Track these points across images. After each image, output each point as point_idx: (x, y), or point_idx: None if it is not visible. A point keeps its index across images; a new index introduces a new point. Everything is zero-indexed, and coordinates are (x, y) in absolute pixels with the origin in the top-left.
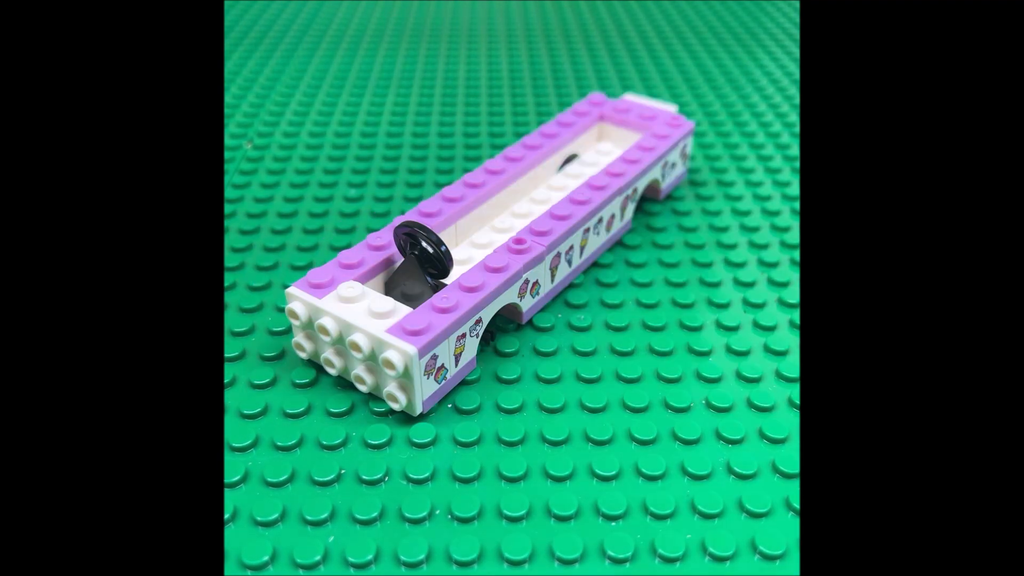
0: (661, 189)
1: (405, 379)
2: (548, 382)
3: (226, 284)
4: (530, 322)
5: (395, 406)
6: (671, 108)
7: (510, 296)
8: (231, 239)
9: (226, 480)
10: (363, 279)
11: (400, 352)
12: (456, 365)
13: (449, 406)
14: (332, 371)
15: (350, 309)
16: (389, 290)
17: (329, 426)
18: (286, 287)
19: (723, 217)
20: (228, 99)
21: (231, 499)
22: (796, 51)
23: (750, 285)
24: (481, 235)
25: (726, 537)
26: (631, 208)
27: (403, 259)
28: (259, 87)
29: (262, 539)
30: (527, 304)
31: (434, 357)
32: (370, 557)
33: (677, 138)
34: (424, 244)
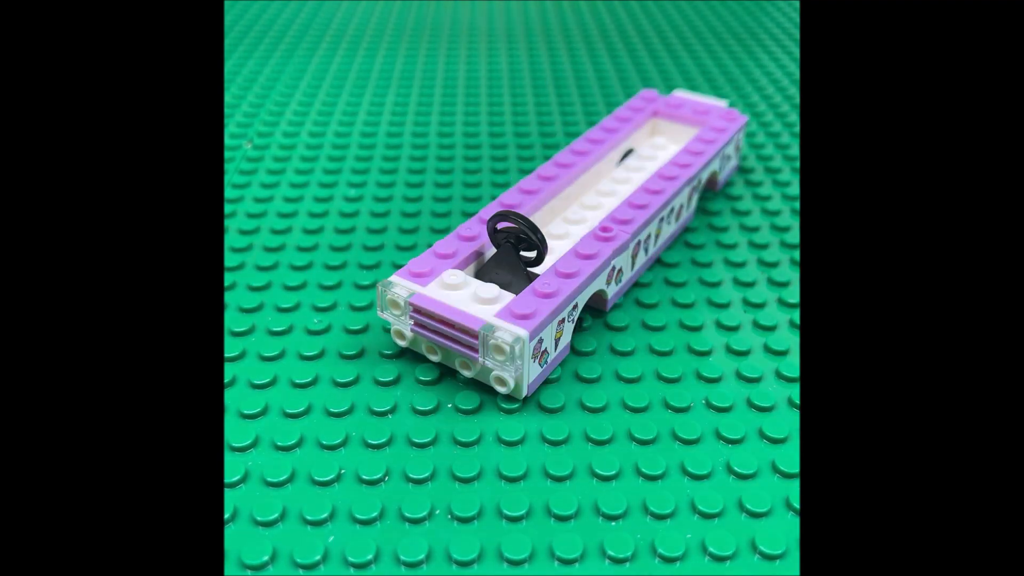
0: (719, 180)
1: (513, 362)
2: (548, 382)
3: (226, 284)
4: None
5: (502, 389)
6: (722, 103)
7: (600, 283)
8: (231, 239)
9: (226, 480)
10: (459, 268)
11: (512, 335)
12: (555, 349)
13: (449, 406)
14: (433, 358)
15: (455, 296)
16: (481, 279)
17: (329, 426)
18: (287, 286)
19: (723, 217)
20: (228, 99)
21: (231, 499)
22: (796, 51)
23: (750, 285)
24: (556, 226)
25: (726, 537)
26: (695, 199)
27: (495, 249)
28: (259, 87)
29: (262, 539)
30: (611, 291)
31: (540, 340)
32: (370, 557)
33: (734, 131)
34: (522, 233)
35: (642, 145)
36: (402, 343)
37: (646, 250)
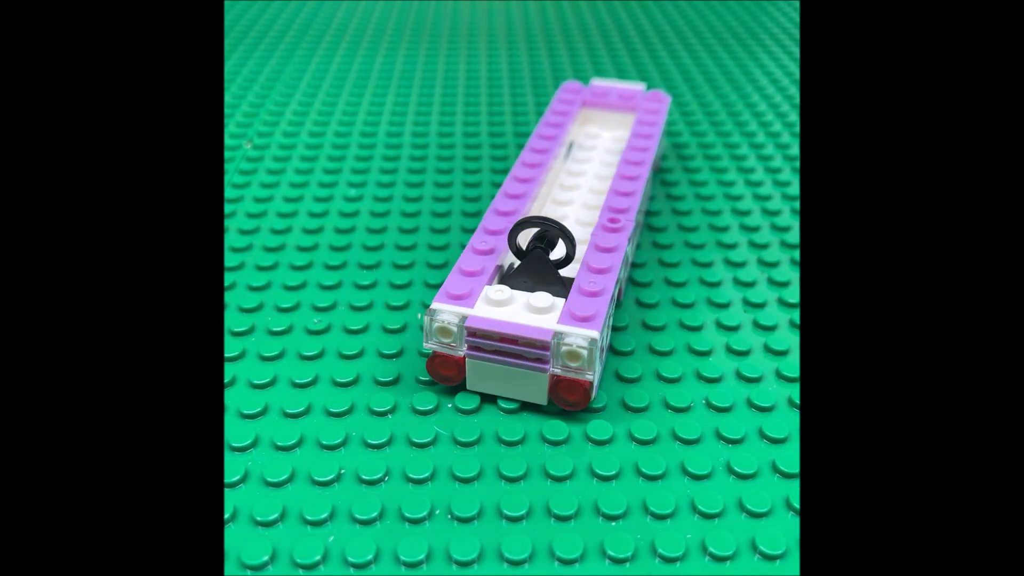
0: (658, 161)
1: (591, 366)
2: None
3: (226, 284)
4: None
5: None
6: (640, 87)
7: (622, 273)
8: (231, 239)
9: (226, 480)
10: (488, 283)
11: (585, 338)
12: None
13: (449, 406)
14: (482, 389)
15: (508, 311)
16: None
17: (329, 426)
18: (287, 286)
19: (723, 217)
20: (228, 99)
21: (231, 499)
22: (796, 51)
23: (750, 285)
24: None
25: (726, 537)
26: (653, 181)
27: (519, 259)
28: (259, 87)
29: (262, 539)
30: (624, 281)
31: (601, 348)
32: (370, 557)
33: (665, 111)
34: (550, 234)
35: (579, 136)
36: (449, 375)
37: (634, 244)
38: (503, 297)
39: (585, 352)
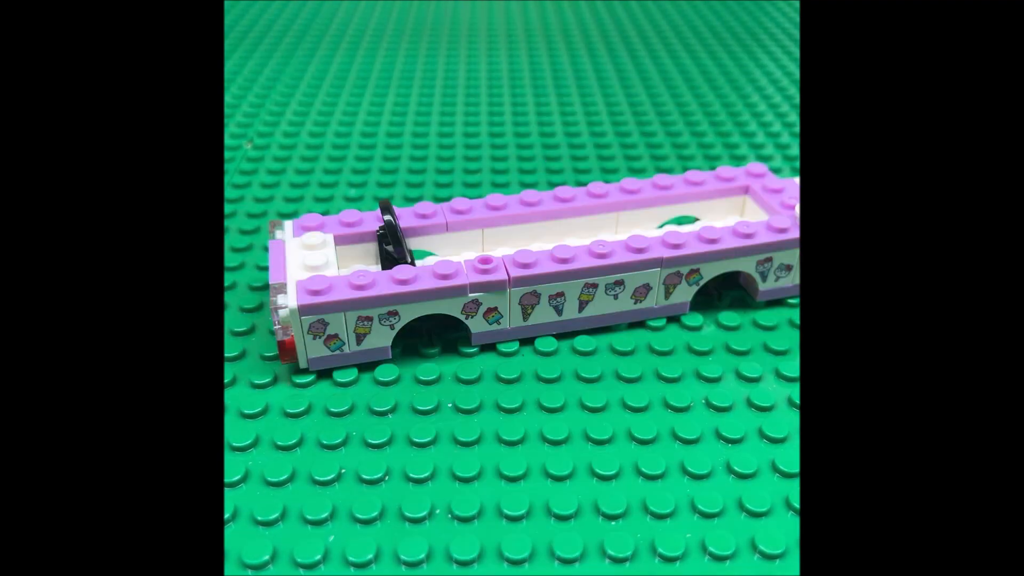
0: (760, 290)
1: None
2: (548, 381)
3: (226, 284)
4: None
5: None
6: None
7: (449, 307)
8: (231, 239)
9: (226, 480)
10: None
11: (288, 305)
12: (358, 344)
13: (450, 405)
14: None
15: (305, 255)
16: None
17: (329, 425)
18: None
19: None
20: (228, 99)
21: (231, 499)
22: (796, 51)
23: None
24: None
25: (726, 537)
26: (688, 291)
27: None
28: (259, 87)
29: (262, 539)
30: (478, 326)
31: (323, 323)
32: (370, 556)
33: (795, 236)
34: (389, 232)
35: (719, 219)
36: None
37: (557, 309)
38: (315, 242)
39: (283, 313)
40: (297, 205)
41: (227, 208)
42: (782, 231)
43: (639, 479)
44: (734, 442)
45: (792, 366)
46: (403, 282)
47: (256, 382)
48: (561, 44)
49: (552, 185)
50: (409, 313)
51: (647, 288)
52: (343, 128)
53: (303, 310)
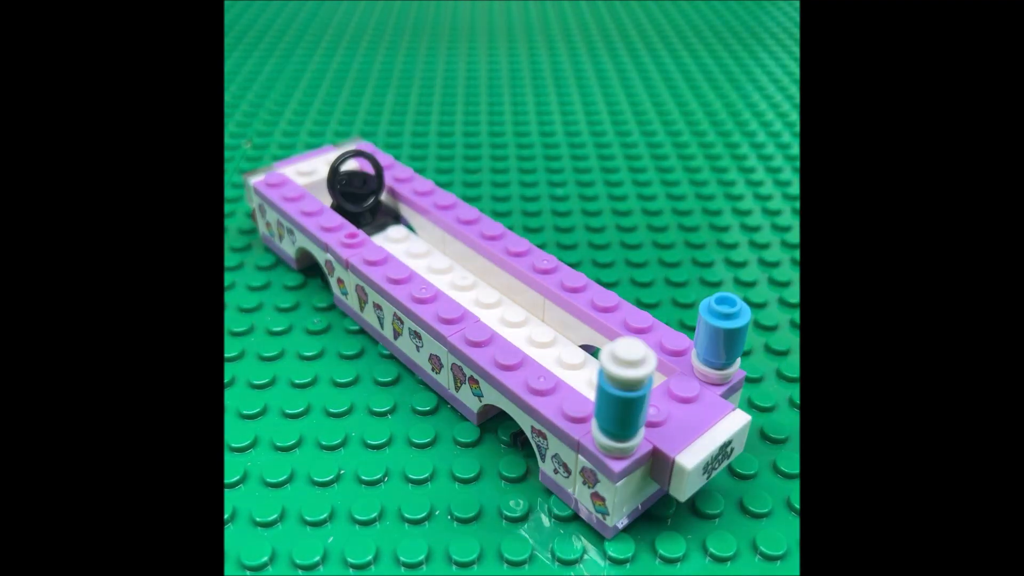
0: (541, 469)
1: None
2: None
3: (226, 284)
4: None
5: None
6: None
7: (315, 250)
8: (231, 239)
9: (225, 480)
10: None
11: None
12: (277, 241)
13: (449, 406)
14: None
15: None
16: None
17: (329, 426)
18: (287, 286)
19: (723, 217)
20: (227, 98)
21: (230, 499)
22: (796, 50)
23: (750, 285)
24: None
25: (726, 537)
26: (473, 400)
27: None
28: (259, 86)
29: (261, 539)
30: (333, 288)
31: (263, 208)
32: (370, 558)
33: (575, 436)
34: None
35: None
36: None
37: (379, 319)
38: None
39: None
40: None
41: (227, 208)
42: (571, 419)
43: None
44: None
45: (792, 366)
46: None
47: (256, 382)
48: (562, 44)
49: (552, 185)
50: (300, 238)
51: (439, 362)
52: (342, 127)
53: (255, 189)
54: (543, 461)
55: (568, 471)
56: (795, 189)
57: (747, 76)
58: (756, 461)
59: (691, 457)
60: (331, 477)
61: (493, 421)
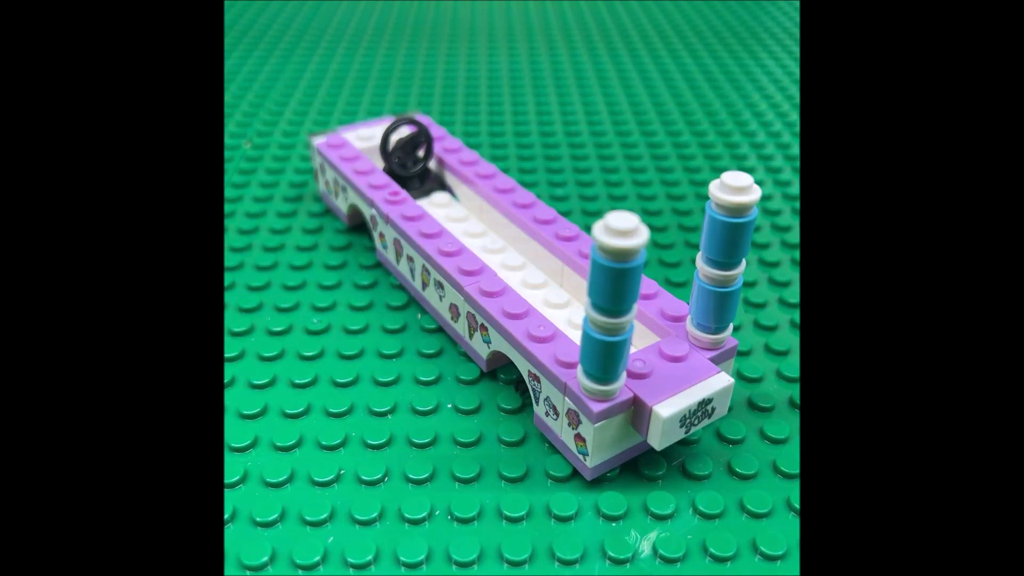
0: (535, 412)
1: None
2: None
3: (226, 284)
4: None
5: None
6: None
7: (362, 205)
8: (231, 239)
9: (225, 480)
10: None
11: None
12: (334, 198)
13: (449, 406)
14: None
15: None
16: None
17: (328, 426)
18: (286, 286)
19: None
20: (227, 98)
21: (230, 499)
22: (796, 50)
23: (750, 285)
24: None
25: (726, 537)
26: (483, 346)
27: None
28: (258, 86)
29: (261, 540)
30: (377, 241)
31: (324, 167)
32: (370, 558)
33: (563, 380)
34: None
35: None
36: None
37: (411, 271)
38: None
39: None
40: (296, 205)
41: (227, 208)
42: (561, 364)
43: (639, 480)
44: (734, 443)
45: (792, 366)
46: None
47: (255, 382)
48: (562, 44)
49: (552, 185)
50: (351, 196)
51: (457, 311)
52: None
53: (317, 149)
54: (537, 404)
55: (557, 413)
56: (795, 189)
57: (747, 76)
58: (756, 461)
59: (668, 408)
60: (331, 477)
61: (492, 422)
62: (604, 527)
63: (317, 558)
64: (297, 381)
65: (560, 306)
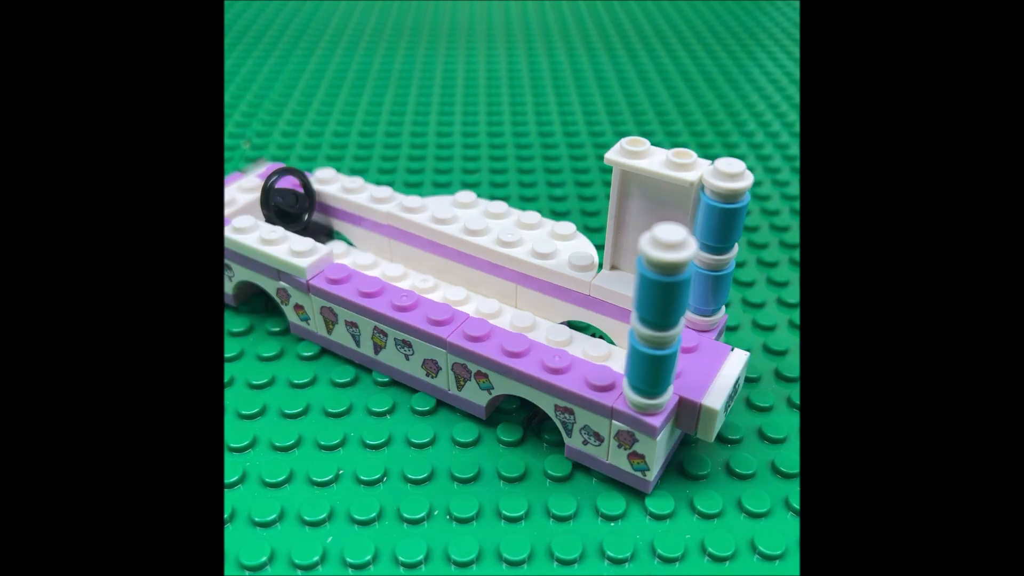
0: (566, 444)
1: None
2: None
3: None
4: None
5: None
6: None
7: (265, 284)
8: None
9: (224, 481)
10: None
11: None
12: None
13: (448, 407)
14: None
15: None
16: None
17: (327, 426)
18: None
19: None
20: (227, 98)
21: (229, 500)
22: (796, 51)
23: (750, 285)
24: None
25: (726, 537)
26: (480, 393)
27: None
28: (257, 86)
29: (260, 540)
30: (291, 316)
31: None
32: (369, 557)
33: (607, 404)
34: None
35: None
36: None
37: (354, 337)
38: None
39: None
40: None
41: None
42: (598, 389)
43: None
44: (734, 443)
45: (792, 366)
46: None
47: (254, 382)
48: (560, 44)
49: (551, 185)
50: (240, 272)
51: (436, 365)
52: (341, 128)
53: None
54: (569, 436)
55: (600, 439)
56: (794, 189)
57: (745, 76)
58: (756, 461)
59: (715, 398)
60: (330, 477)
61: (491, 421)
62: (603, 527)
63: (316, 558)
64: (296, 381)
65: (528, 329)
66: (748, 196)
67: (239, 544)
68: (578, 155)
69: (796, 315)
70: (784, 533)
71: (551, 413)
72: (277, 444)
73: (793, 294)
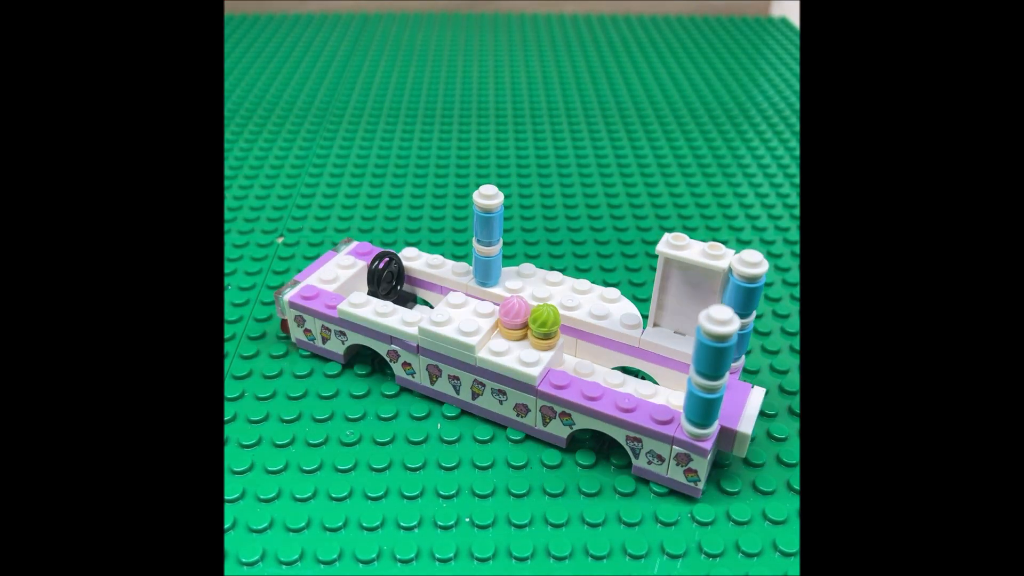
0: (634, 464)
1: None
2: None
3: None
4: None
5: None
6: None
7: (376, 346)
8: (228, 251)
9: (227, 497)
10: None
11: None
12: (322, 343)
13: (439, 426)
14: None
15: (325, 268)
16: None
17: (308, 454)
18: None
19: (720, 219)
20: (228, 103)
21: (231, 512)
22: (796, 67)
23: (757, 317)
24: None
25: (755, 539)
26: (563, 428)
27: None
28: (258, 88)
29: (255, 542)
30: (399, 371)
31: (301, 318)
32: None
33: (669, 433)
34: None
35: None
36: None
37: (455, 388)
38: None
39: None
40: (301, 218)
41: (227, 215)
42: (662, 423)
43: (648, 491)
44: (757, 466)
45: (792, 381)
46: (353, 305)
47: (252, 418)
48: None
49: (576, 257)
50: (353, 337)
51: (526, 408)
52: (413, 212)
53: (291, 303)
54: (637, 458)
55: (662, 459)
56: (794, 200)
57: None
58: (774, 480)
59: (747, 424)
60: (309, 495)
61: (489, 430)
62: (663, 530)
63: (295, 556)
64: (285, 417)
65: (589, 374)
66: (764, 278)
67: (239, 546)
68: (601, 239)
69: (797, 341)
70: (797, 535)
71: (622, 441)
72: (269, 468)
73: (793, 324)
